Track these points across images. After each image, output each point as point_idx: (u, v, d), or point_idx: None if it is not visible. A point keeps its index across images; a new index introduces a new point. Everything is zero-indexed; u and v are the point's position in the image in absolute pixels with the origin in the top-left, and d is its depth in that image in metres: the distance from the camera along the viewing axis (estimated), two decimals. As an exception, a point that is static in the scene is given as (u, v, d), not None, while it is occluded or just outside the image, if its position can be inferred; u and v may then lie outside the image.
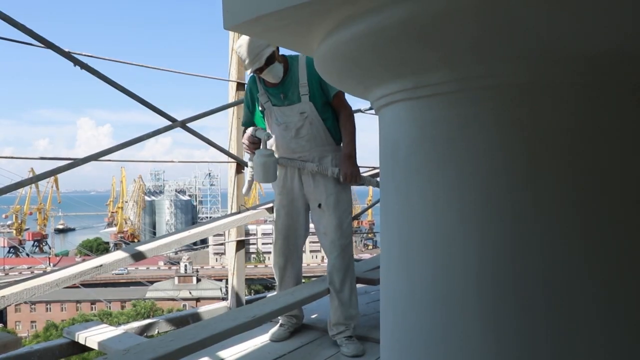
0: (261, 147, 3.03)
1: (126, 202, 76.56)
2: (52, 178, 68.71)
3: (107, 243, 74.53)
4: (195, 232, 3.42)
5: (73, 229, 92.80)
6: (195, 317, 3.83)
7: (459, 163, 1.06)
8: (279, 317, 3.31)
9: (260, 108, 3.22)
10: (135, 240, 76.07)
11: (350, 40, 1.12)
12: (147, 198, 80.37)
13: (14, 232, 65.05)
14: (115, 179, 76.40)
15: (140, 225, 77.56)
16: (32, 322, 45.70)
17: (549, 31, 0.91)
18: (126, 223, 75.80)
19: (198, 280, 51.92)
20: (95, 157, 3.11)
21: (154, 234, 78.03)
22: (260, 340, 3.20)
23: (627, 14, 0.85)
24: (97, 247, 70.89)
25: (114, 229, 76.48)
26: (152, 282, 51.72)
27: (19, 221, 64.81)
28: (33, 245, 71.78)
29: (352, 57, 1.20)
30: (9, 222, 70.79)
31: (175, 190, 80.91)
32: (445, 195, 1.09)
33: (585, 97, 0.96)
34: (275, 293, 3.42)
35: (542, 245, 0.98)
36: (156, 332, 3.55)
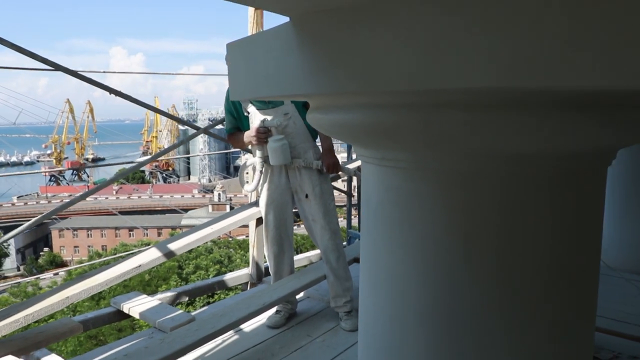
0: (274, 134, 3.34)
1: (160, 131, 77.55)
2: (87, 108, 69.80)
3: (143, 172, 76.24)
4: (218, 229, 3.90)
5: (103, 159, 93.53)
6: (221, 284, 4.31)
7: (413, 226, 1.37)
8: None
9: (245, 113, 3.50)
10: (170, 169, 77.77)
11: (327, 123, 1.44)
12: (180, 127, 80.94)
13: (54, 161, 66.93)
14: (149, 108, 76.82)
15: (175, 153, 78.81)
16: (75, 247, 47.81)
17: (479, 138, 1.20)
18: (160, 152, 76.92)
19: (231, 208, 52.98)
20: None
21: (188, 162, 79.42)
22: (273, 311, 3.60)
23: (538, 128, 1.13)
24: (133, 176, 72.77)
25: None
26: (186, 210, 52.80)
27: (58, 151, 66.55)
28: (72, 174, 74.03)
29: (330, 131, 1.53)
30: (48, 152, 72.74)
31: (209, 119, 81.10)
32: (402, 248, 1.40)
33: (511, 186, 1.25)
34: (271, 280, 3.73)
35: (470, 295, 1.32)
36: (186, 299, 4.07)
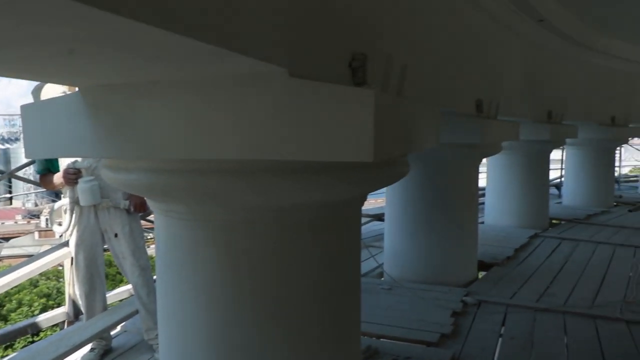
0: (84, 175, 3.48)
1: (-26, 152, 69.60)
2: None
3: (-46, 197, 67.79)
4: (26, 272, 3.85)
5: None
6: (34, 327, 4.18)
7: (196, 269, 1.55)
8: None
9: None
10: (-12, 194, 69.92)
11: (114, 181, 1.60)
12: (0, 146, 73.32)
13: None
14: (-41, 126, 68.65)
15: (-6, 179, 71.09)
16: None
17: (236, 196, 1.44)
18: (-24, 175, 69.10)
19: (61, 235, 48.90)
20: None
21: (10, 186, 72.21)
22: (88, 349, 3.62)
23: (283, 187, 1.41)
24: (-58, 203, 64.35)
25: (-38, 181, 69.63)
26: (8, 239, 47.58)
27: None
28: None
29: (119, 187, 1.71)
30: None
31: (33, 139, 74.26)
32: (189, 289, 1.59)
33: (273, 231, 1.51)
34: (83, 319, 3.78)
35: (252, 326, 1.56)
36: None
